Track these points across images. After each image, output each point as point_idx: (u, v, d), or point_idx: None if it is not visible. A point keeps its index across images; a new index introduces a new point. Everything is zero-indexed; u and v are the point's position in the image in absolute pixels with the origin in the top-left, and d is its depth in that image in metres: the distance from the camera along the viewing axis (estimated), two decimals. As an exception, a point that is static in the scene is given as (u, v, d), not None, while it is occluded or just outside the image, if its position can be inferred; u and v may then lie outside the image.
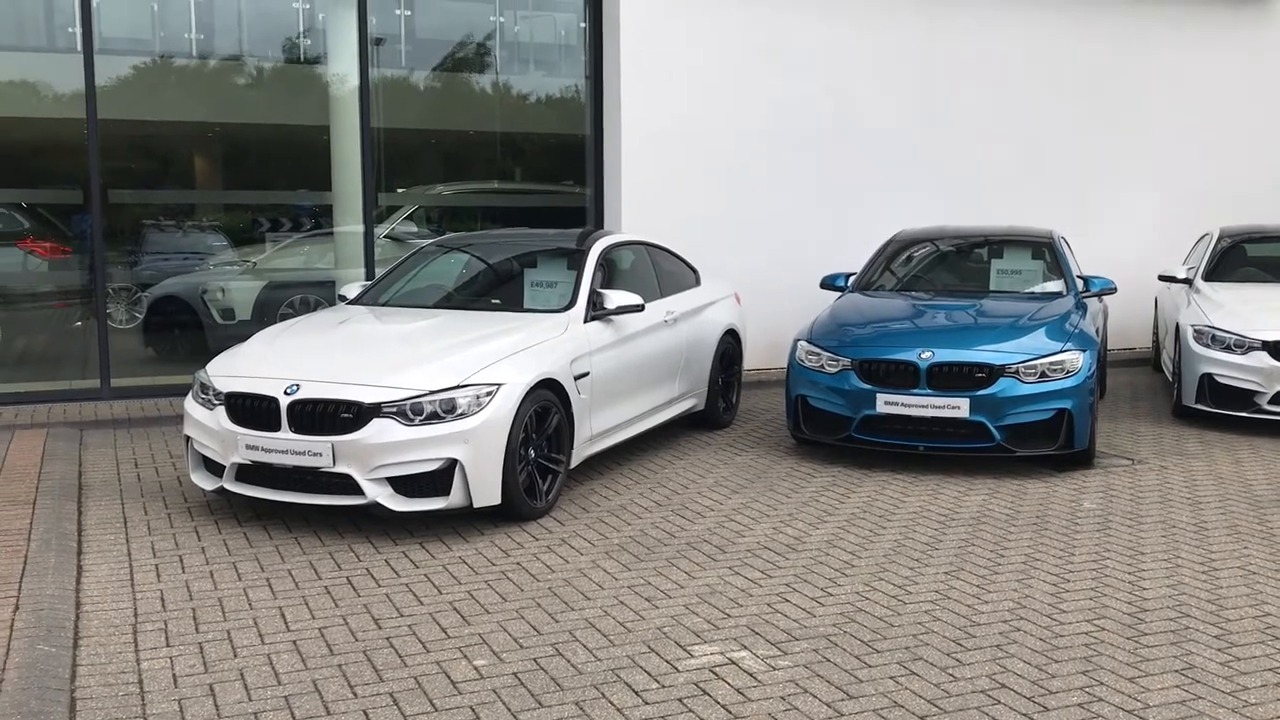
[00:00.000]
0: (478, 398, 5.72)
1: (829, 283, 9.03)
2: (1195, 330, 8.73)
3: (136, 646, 4.33)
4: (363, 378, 5.78)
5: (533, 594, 4.94)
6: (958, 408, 6.98)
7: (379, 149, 10.33)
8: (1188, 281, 9.75)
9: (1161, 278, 10.07)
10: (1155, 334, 11.55)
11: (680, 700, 3.86)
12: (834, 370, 7.34)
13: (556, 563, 5.36)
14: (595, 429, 6.72)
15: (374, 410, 5.62)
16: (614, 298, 6.89)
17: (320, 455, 5.62)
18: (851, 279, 8.93)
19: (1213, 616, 4.65)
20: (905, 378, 7.10)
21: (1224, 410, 8.47)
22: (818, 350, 7.48)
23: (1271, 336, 8.29)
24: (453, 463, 5.63)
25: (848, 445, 7.34)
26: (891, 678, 4.04)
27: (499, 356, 5.99)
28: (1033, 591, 4.95)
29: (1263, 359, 8.27)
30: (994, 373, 6.98)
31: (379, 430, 5.59)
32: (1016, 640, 4.39)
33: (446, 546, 5.60)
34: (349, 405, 5.65)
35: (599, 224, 10.93)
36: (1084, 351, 7.16)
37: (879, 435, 7.22)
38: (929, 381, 7.03)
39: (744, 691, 3.92)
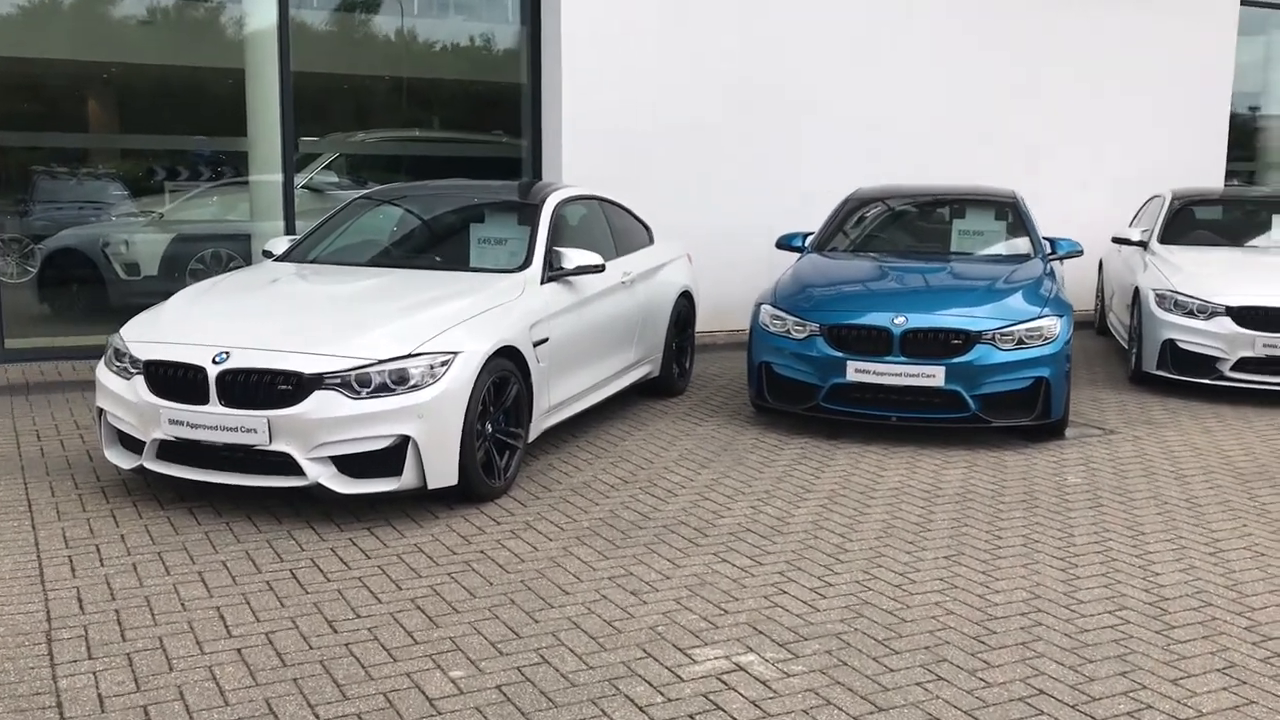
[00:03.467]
0: (432, 368, 5.17)
1: (785, 243, 8.61)
2: (1157, 295, 8.52)
3: (52, 660, 3.74)
4: (302, 345, 5.18)
5: (504, 588, 4.44)
6: (932, 376, 6.63)
7: (295, 94, 9.56)
8: (1142, 244, 9.55)
9: (1115, 240, 9.87)
10: (1100, 296, 11.40)
11: (691, 716, 3.41)
12: (801, 336, 6.93)
13: (525, 550, 4.87)
14: (554, 399, 6.21)
15: (315, 381, 5.03)
16: (573, 257, 6.37)
17: (255, 432, 5.02)
18: (809, 239, 8.52)
19: (1237, 605, 4.36)
20: (877, 344, 6.72)
21: (1186, 377, 8.29)
22: (783, 314, 7.06)
23: (1235, 301, 8.10)
24: (405, 440, 5.08)
25: (814, 415, 6.95)
26: (918, 684, 3.66)
27: (453, 321, 5.43)
28: (1043, 579, 4.61)
29: (1226, 325, 8.09)
30: (970, 339, 6.64)
31: (321, 404, 5.00)
32: (1041, 637, 4.04)
33: (399, 533, 5.06)
34: (287, 376, 5.05)
35: (536, 177, 10.34)
36: (1060, 317, 6.86)
37: (849, 405, 6.84)
38: (902, 348, 6.67)
39: (760, 704, 3.50)
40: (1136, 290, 8.91)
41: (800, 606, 4.29)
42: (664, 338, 7.82)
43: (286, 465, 5.05)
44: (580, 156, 9.83)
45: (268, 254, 7.00)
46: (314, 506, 5.33)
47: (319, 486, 5.04)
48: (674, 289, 8.01)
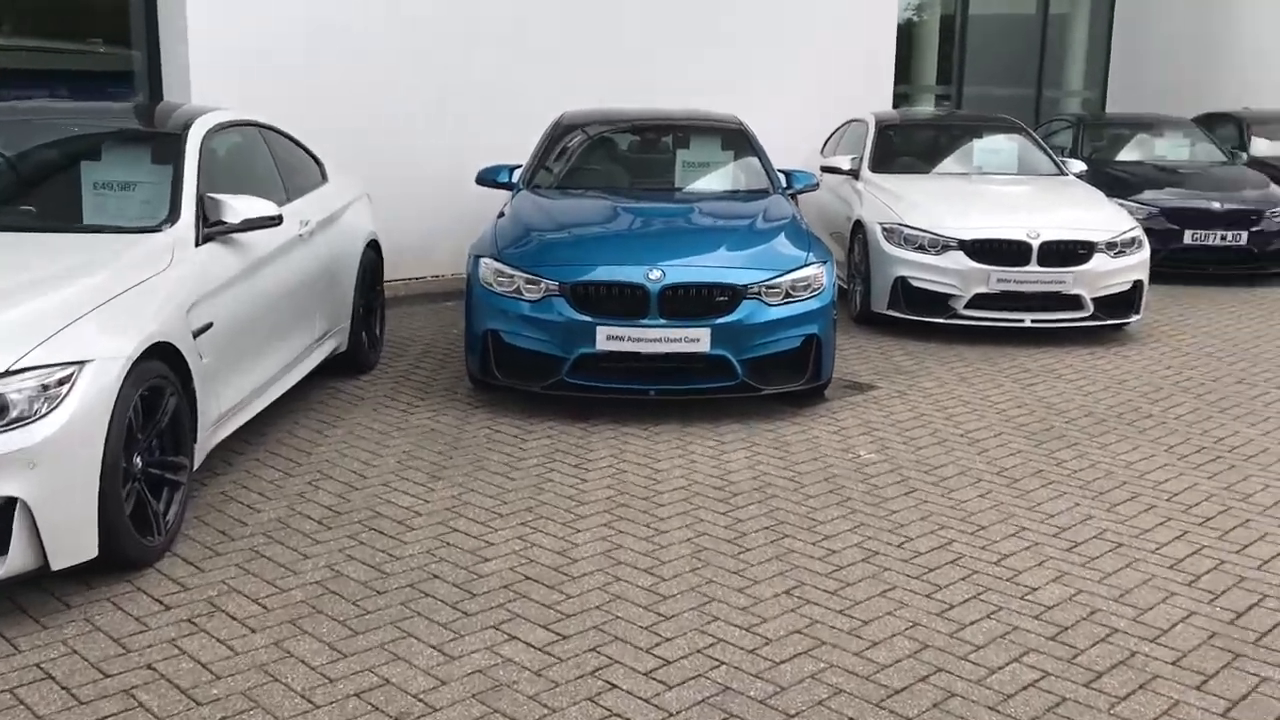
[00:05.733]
0: (45, 388, 3.41)
1: (488, 178, 7.20)
2: (884, 228, 7.91)
3: None
4: None
5: (198, 738, 2.89)
6: (697, 340, 5.55)
7: None
8: (854, 173, 8.96)
9: (825, 169, 9.22)
10: (794, 227, 10.82)
11: None
12: (535, 297, 5.61)
13: (217, 657, 3.29)
14: (225, 405, 4.54)
15: None
16: (237, 206, 4.66)
17: None
18: (517, 173, 7.16)
19: (1139, 628, 3.60)
20: (631, 304, 5.54)
21: (919, 316, 7.76)
22: (510, 270, 5.70)
23: (969, 235, 7.62)
24: (9, 504, 3.31)
25: (555, 393, 5.70)
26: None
27: (74, 313, 3.66)
28: (912, 609, 3.65)
29: (960, 259, 7.60)
30: (736, 295, 5.61)
31: None
32: (954, 690, 3.06)
33: (11, 646, 3.32)
34: None
35: (156, 98, 8.20)
36: (825, 263, 5.98)
37: (599, 379, 5.64)
38: (661, 308, 5.53)
39: None
40: (858, 223, 8.28)
41: (644, 711, 3.06)
42: (351, 301, 6.23)
43: None
44: (212, 74, 7.83)
45: None
46: None
47: None
48: (359, 238, 6.42)
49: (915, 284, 7.71)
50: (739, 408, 5.88)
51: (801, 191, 7.38)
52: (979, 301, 7.61)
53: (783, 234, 6.10)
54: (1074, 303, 7.64)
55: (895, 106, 14.08)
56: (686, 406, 5.85)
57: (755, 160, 7.26)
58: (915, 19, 15.10)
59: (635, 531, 4.27)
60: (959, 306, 7.64)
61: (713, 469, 5.00)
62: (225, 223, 4.63)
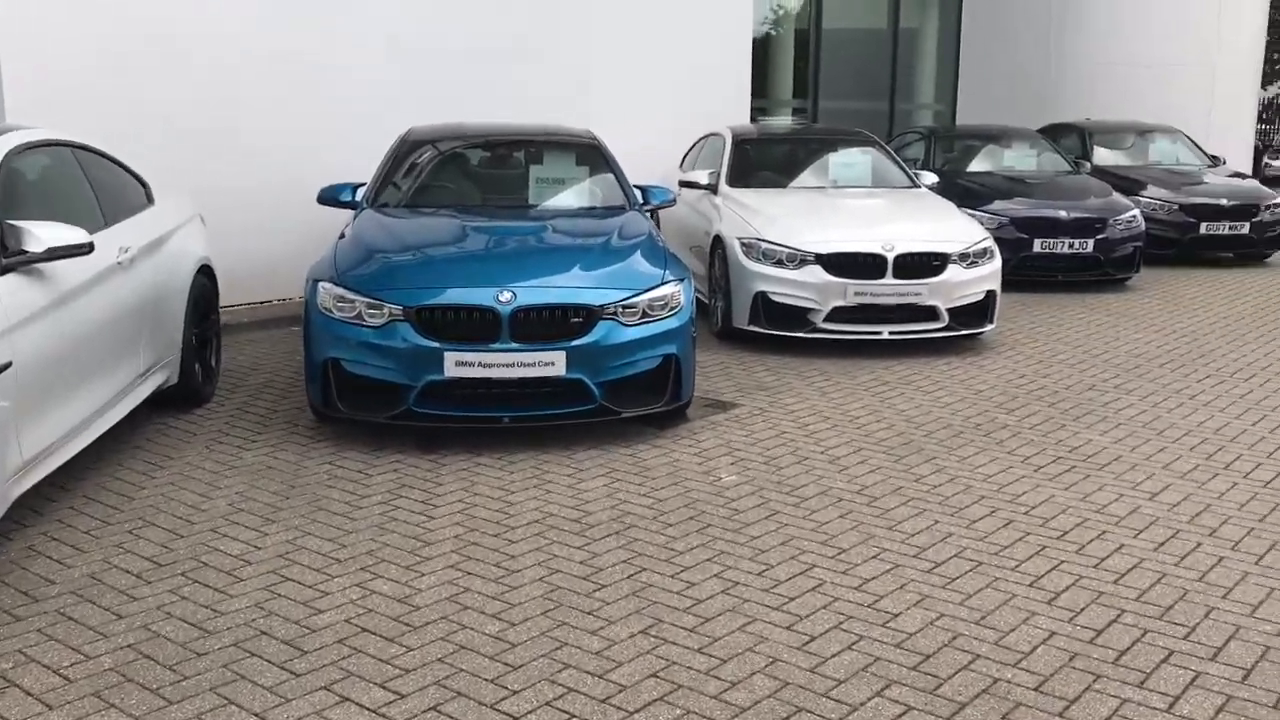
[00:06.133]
0: None
1: (330, 196, 6.87)
2: (743, 243, 7.83)
3: None
4: None
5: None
6: (552, 363, 5.34)
7: None
8: (711, 188, 8.88)
9: (683, 183, 9.13)
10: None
11: None
12: (378, 322, 5.33)
13: (7, 740, 2.94)
14: (29, 452, 4.14)
15: None
16: (42, 234, 4.26)
17: None
18: (361, 191, 6.85)
19: (1000, 652, 3.52)
20: (480, 328, 5.30)
21: (780, 331, 7.70)
22: (350, 294, 5.41)
23: (825, 249, 7.60)
24: None
25: (402, 423, 5.41)
26: None
27: None
28: (772, 642, 3.50)
29: (817, 273, 7.56)
30: (592, 315, 5.42)
31: None
32: (828, 759, 2.92)
33: None
34: None
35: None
36: (683, 281, 5.85)
37: (448, 406, 5.38)
38: (513, 332, 5.30)
39: None
40: (718, 238, 8.20)
41: (488, 773, 2.83)
42: (182, 330, 5.84)
43: None
44: (27, 91, 7.31)
45: None
46: None
47: None
48: (189, 262, 6.03)
49: (775, 299, 7.65)
50: (598, 432, 5.68)
51: (659, 208, 7.25)
52: (838, 315, 7.59)
53: (639, 252, 5.94)
54: (930, 314, 7.68)
55: (753, 120, 14.16)
56: (543, 433, 5.63)
57: (610, 176, 7.09)
58: (771, 33, 15.21)
59: (484, 572, 4.04)
60: (818, 320, 7.61)
61: (569, 499, 4.80)
62: (28, 252, 4.23)
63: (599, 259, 5.80)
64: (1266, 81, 37.91)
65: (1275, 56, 38.06)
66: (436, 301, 5.30)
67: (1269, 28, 37.24)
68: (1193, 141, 14.06)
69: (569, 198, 6.99)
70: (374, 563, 4.10)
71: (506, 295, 5.31)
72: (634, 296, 5.54)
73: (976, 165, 12.07)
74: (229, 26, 8.33)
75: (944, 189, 11.20)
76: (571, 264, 5.74)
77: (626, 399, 5.57)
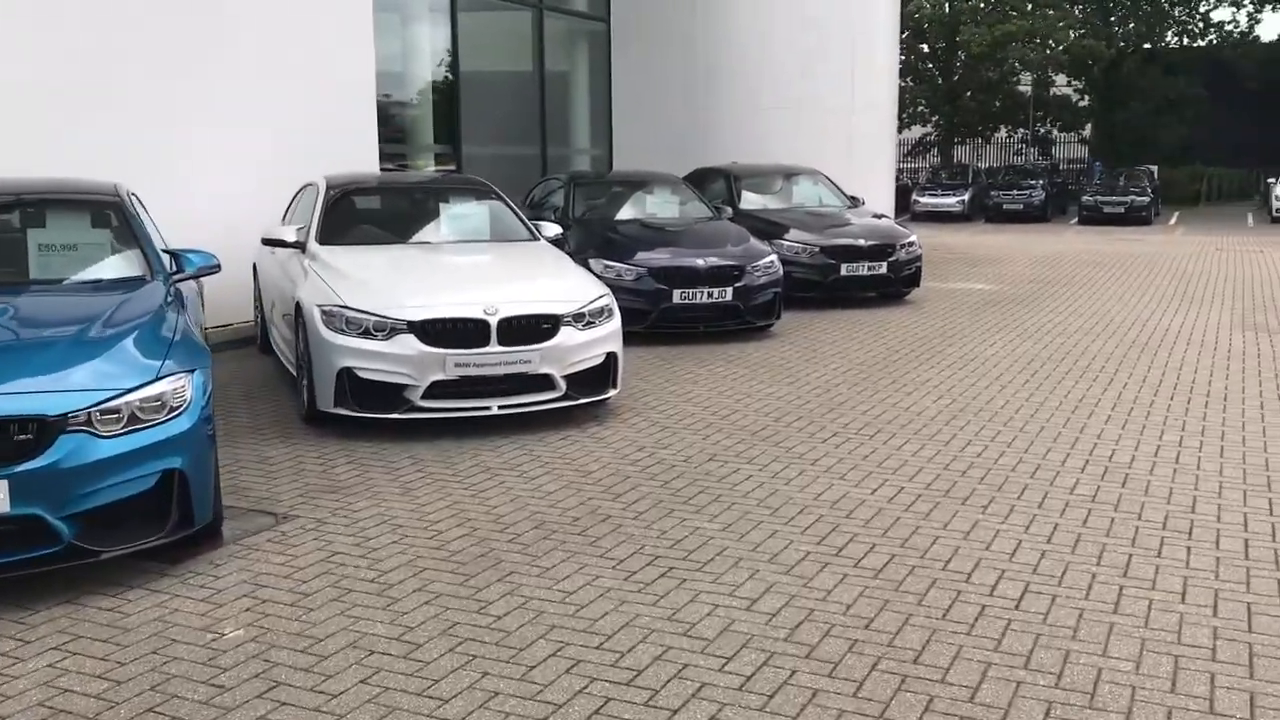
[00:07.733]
0: None
1: None
2: (324, 312, 6.69)
3: None
4: None
5: None
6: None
7: None
8: (300, 245, 7.70)
9: (266, 241, 7.91)
10: (259, 307, 9.38)
11: None
12: None
13: None
14: None
15: None
16: None
17: None
18: None
19: None
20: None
21: (371, 414, 6.59)
22: None
23: (416, 316, 6.57)
24: None
25: None
26: None
27: None
28: None
29: (411, 344, 6.52)
30: (49, 428, 4.12)
31: None
32: None
33: None
34: None
35: None
36: (192, 372, 4.63)
37: None
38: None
39: None
40: (298, 305, 7.02)
41: None
42: None
43: None
44: None
45: None
46: None
47: None
48: None
49: (362, 375, 6.54)
50: (76, 579, 4.36)
51: (198, 275, 5.99)
52: (438, 390, 6.57)
53: (130, 338, 4.66)
54: (544, 383, 6.81)
55: (398, 168, 13.09)
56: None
57: (132, 239, 5.78)
58: (406, 76, 14.17)
59: None
60: (415, 398, 6.56)
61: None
62: None
63: (66, 353, 4.48)
64: (913, 122, 40.73)
65: (920, 102, 40.92)
66: None
67: (911, 74, 40.00)
68: (833, 183, 14.16)
69: (73, 268, 5.61)
70: None
71: (-80, 410, 3.93)
72: (114, 398, 4.29)
73: (619, 213, 11.46)
74: None
75: (583, 239, 10.55)
76: (25, 360, 4.40)
77: (107, 534, 4.29)
